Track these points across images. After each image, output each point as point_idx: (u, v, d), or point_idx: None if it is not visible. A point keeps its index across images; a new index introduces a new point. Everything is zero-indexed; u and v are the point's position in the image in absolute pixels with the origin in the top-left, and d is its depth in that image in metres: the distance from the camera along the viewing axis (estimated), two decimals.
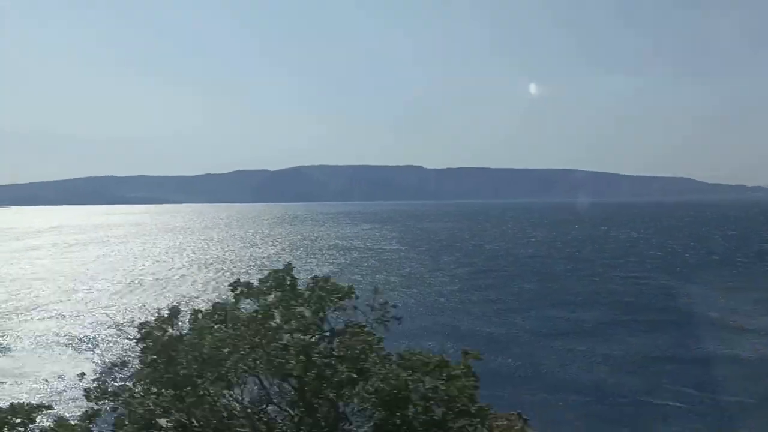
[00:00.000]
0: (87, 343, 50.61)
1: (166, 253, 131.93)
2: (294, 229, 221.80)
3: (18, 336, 53.58)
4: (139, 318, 48.96)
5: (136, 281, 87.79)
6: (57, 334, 53.84)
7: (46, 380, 40.92)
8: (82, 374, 13.89)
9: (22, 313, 63.45)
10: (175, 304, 45.50)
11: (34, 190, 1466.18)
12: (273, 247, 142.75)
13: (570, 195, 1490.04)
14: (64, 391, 38.50)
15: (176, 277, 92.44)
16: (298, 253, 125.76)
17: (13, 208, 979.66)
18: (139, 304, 66.62)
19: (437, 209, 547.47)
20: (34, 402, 13.28)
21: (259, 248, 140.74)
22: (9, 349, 49.10)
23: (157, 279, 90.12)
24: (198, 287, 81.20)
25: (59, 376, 41.23)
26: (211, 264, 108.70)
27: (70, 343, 50.76)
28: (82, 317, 60.98)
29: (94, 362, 43.49)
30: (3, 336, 53.36)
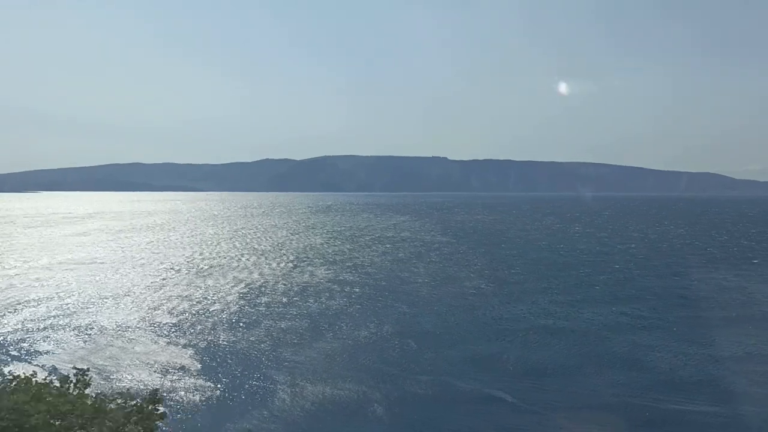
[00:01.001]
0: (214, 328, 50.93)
1: (220, 239, 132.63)
2: (332, 219, 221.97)
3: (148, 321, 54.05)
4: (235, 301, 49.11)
5: (206, 267, 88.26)
6: (167, 318, 54.28)
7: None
8: None
9: (123, 300, 64.06)
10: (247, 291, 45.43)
11: (60, 176, 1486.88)
12: (319, 237, 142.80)
13: (594, 189, 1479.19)
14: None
15: (243, 263, 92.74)
16: (350, 245, 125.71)
17: (43, 193, 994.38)
18: (222, 289, 66.94)
19: (465, 201, 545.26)
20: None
21: (308, 237, 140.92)
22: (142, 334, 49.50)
23: (223, 265, 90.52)
24: (266, 274, 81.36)
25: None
26: (269, 252, 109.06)
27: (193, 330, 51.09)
28: (178, 302, 61.42)
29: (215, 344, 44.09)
30: (133, 320, 53.90)
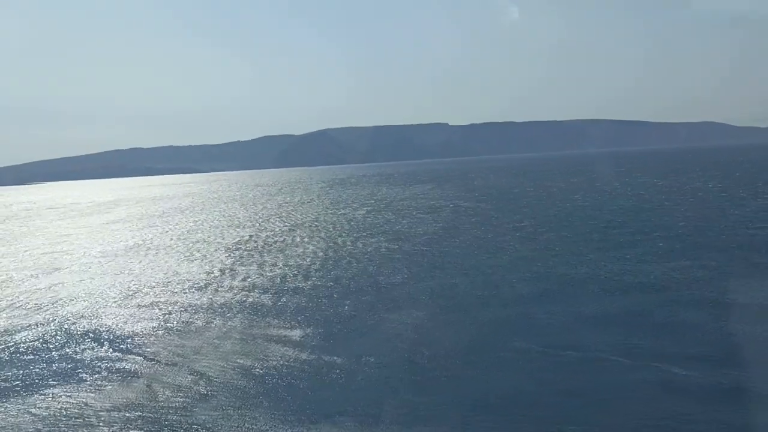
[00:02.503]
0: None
1: (259, 218, 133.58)
2: (356, 192, 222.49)
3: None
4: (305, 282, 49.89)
5: (266, 245, 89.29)
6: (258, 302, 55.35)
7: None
8: None
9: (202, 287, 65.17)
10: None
11: (60, 165, 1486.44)
12: (357, 210, 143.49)
13: (597, 145, 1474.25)
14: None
15: (300, 240, 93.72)
16: (391, 215, 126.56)
17: (47, 184, 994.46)
18: (298, 264, 68.21)
19: (474, 165, 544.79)
20: None
21: (345, 211, 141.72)
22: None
23: (281, 242, 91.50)
24: (330, 248, 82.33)
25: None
26: (315, 227, 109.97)
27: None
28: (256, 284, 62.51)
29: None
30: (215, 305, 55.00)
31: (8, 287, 67.70)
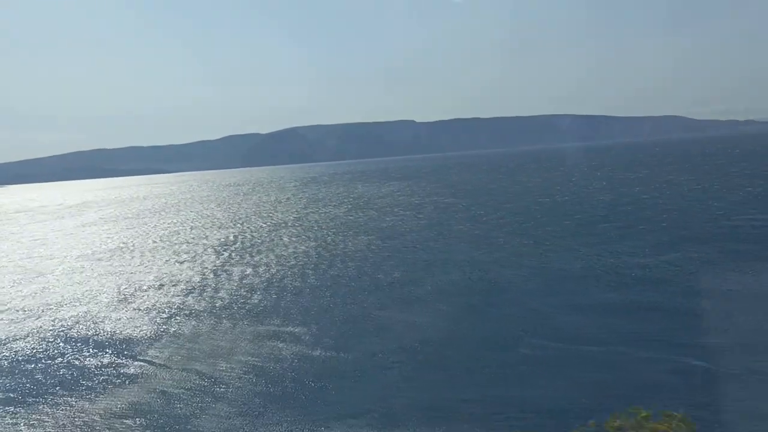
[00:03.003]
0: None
1: (240, 218, 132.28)
2: (331, 190, 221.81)
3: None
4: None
5: (251, 245, 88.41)
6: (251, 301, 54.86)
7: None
8: None
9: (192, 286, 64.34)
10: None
11: (21, 168, 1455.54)
12: (335, 208, 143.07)
13: (563, 140, 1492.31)
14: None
15: (284, 239, 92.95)
16: (373, 212, 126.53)
17: (10, 187, 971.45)
18: (288, 263, 67.63)
19: (444, 162, 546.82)
20: None
21: (325, 209, 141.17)
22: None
23: (268, 241, 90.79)
24: (315, 246, 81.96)
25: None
26: (298, 226, 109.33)
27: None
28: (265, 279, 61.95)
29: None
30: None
31: None
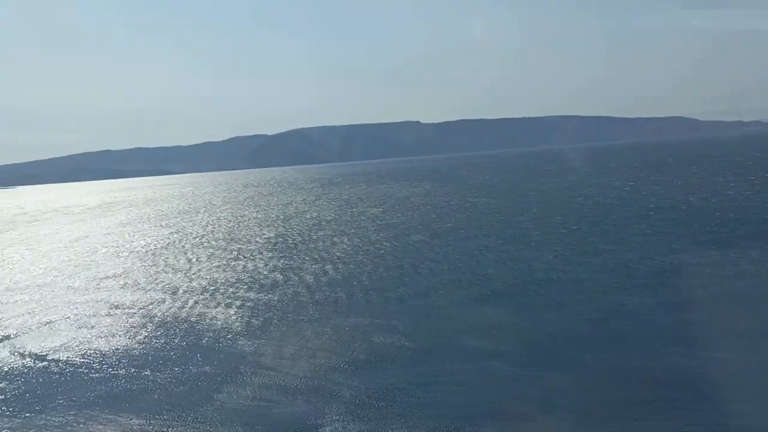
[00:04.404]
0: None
1: (276, 218, 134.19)
2: (356, 190, 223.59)
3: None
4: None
5: (300, 246, 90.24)
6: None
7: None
8: None
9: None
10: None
11: (29, 169, 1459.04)
12: (370, 207, 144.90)
13: (569, 141, 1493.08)
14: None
15: (333, 239, 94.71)
16: (410, 213, 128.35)
17: (19, 188, 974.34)
18: (343, 258, 69.57)
19: (454, 163, 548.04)
20: None
21: (360, 208, 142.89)
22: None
23: (317, 241, 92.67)
24: (361, 243, 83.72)
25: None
26: (337, 224, 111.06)
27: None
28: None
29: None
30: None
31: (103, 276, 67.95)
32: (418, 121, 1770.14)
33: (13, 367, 42.05)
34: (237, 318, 51.08)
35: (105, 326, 51.14)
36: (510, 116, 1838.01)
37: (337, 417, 31.03)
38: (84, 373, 39.95)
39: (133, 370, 40.14)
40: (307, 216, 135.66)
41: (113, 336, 48.07)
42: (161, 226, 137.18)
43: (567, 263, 64.32)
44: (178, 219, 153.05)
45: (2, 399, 36.47)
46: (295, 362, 39.66)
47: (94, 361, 42.10)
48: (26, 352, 45.02)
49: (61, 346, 46.00)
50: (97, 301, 60.47)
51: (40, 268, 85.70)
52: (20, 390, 37.69)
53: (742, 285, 50.65)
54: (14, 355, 44.65)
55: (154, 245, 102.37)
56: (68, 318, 54.54)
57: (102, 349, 44.89)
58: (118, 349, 44.71)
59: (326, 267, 71.28)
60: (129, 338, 47.22)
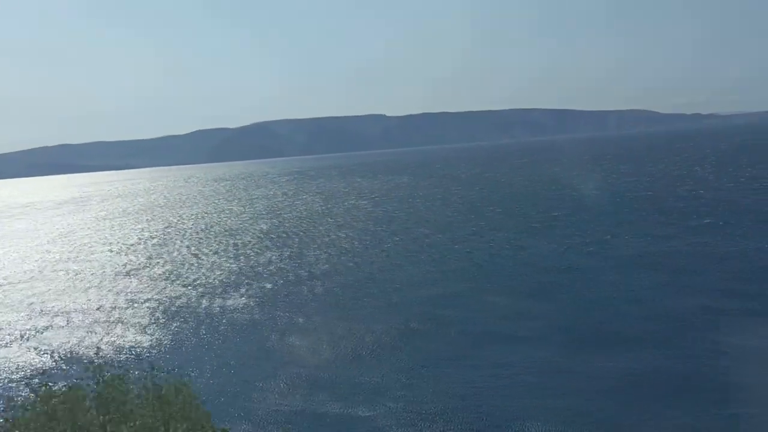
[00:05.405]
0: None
1: (263, 210, 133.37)
2: (329, 184, 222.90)
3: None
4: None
5: (292, 233, 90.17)
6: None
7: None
8: None
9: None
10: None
11: None
12: (360, 201, 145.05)
13: (532, 134, 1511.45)
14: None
15: (319, 229, 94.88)
16: (396, 204, 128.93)
17: None
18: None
19: (424, 156, 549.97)
20: None
21: (342, 201, 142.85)
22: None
23: (305, 230, 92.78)
24: (358, 234, 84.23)
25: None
26: (331, 217, 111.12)
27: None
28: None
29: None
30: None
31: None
32: (383, 114, 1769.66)
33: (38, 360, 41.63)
34: (283, 313, 51.18)
35: (135, 318, 50.77)
36: (473, 109, 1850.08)
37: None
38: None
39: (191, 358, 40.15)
40: (298, 209, 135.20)
41: (146, 327, 47.81)
42: (147, 220, 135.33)
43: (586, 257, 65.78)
44: (162, 213, 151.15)
45: None
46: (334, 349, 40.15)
47: (141, 352, 41.93)
48: (51, 349, 44.52)
49: (84, 339, 45.61)
50: (116, 293, 59.91)
51: (38, 262, 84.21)
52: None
53: None
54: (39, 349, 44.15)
55: (149, 239, 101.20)
56: (86, 311, 53.95)
57: (140, 340, 44.66)
58: (158, 340, 44.53)
59: (342, 259, 71.60)
60: (163, 330, 47.04)
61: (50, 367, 40.06)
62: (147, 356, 40.73)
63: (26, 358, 42.26)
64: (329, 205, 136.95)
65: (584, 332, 41.15)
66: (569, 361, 35.92)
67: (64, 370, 39.33)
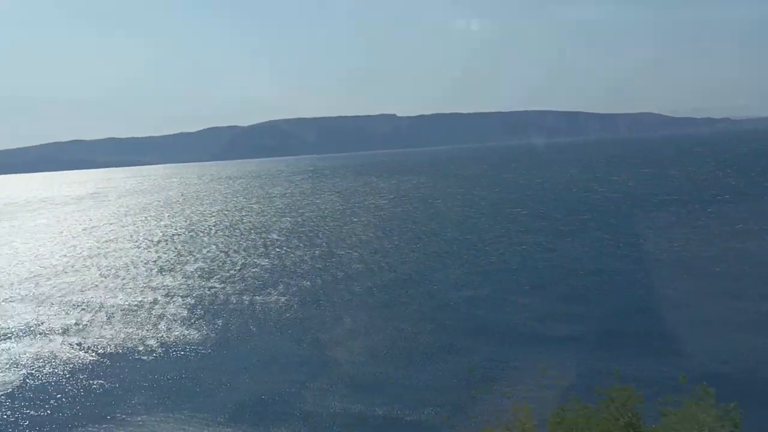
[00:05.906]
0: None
1: (283, 208, 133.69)
2: (345, 183, 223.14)
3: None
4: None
5: (323, 232, 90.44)
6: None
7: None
8: None
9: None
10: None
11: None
12: (381, 200, 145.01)
13: (543, 136, 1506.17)
14: None
15: (353, 225, 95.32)
16: (417, 204, 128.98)
17: None
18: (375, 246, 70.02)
19: (435, 156, 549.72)
20: None
21: (368, 201, 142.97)
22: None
23: (344, 228, 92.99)
24: (388, 230, 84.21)
25: None
26: (348, 215, 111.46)
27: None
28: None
29: None
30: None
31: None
32: (394, 114, 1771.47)
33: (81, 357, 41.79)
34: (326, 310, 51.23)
35: (178, 313, 50.92)
36: (484, 111, 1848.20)
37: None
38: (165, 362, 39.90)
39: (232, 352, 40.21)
40: (319, 208, 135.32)
41: (191, 323, 47.93)
42: (168, 216, 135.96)
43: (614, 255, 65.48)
44: (182, 209, 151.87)
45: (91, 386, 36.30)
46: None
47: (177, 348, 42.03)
48: (97, 344, 44.69)
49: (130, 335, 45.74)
50: (152, 288, 60.16)
51: (67, 257, 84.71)
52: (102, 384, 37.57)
53: None
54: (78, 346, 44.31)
55: (175, 235, 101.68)
56: (125, 305, 54.16)
57: (187, 335, 44.77)
58: (201, 335, 44.63)
59: (375, 258, 71.72)
60: (209, 326, 47.16)
61: (98, 363, 40.23)
62: (195, 353, 40.88)
63: (72, 353, 42.45)
64: (350, 204, 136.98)
65: (626, 335, 41.05)
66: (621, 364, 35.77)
67: (112, 366, 39.50)
